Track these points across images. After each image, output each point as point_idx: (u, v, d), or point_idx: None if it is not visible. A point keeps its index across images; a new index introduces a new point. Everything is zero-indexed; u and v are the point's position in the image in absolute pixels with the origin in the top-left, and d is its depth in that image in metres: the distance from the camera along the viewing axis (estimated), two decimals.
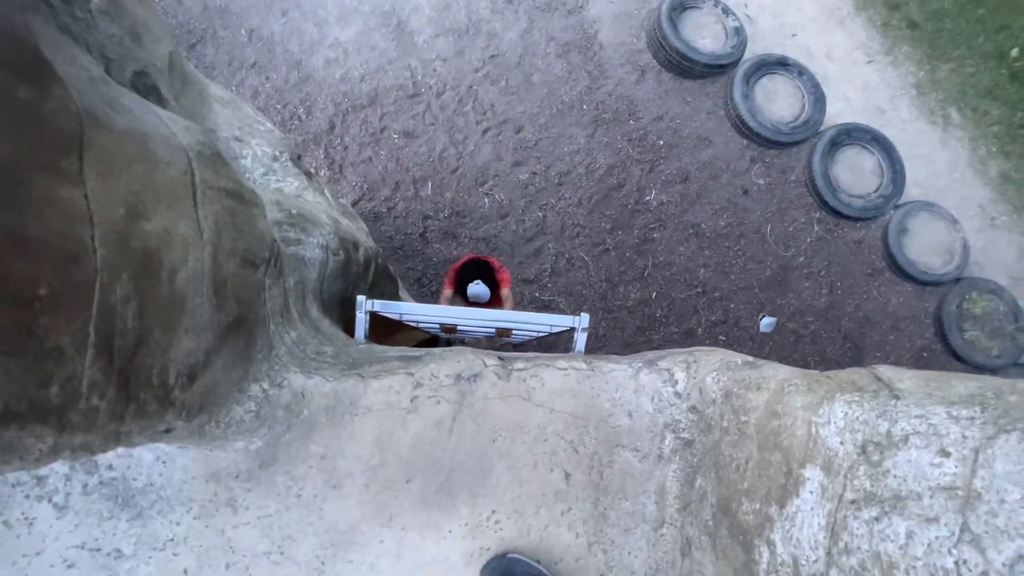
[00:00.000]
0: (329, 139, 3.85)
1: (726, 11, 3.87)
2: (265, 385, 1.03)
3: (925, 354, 3.79)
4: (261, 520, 1.01)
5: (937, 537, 0.47)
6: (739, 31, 3.82)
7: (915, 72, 4.58)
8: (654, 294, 3.75)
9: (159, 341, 0.79)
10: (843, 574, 0.54)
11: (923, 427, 0.53)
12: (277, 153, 1.65)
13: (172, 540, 0.99)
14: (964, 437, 0.49)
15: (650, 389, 1.06)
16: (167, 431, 0.88)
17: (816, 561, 0.58)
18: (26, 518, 0.99)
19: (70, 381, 0.62)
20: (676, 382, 1.04)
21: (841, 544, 0.55)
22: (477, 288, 2.14)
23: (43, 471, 1.01)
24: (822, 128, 3.86)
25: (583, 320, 1.40)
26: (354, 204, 3.73)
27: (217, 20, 3.98)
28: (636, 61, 4.07)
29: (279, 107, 3.83)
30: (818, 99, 3.83)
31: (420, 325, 1.72)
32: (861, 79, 4.59)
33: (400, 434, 1.06)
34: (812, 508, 0.61)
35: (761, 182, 3.93)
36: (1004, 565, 0.42)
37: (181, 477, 1.01)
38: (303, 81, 3.97)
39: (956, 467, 0.48)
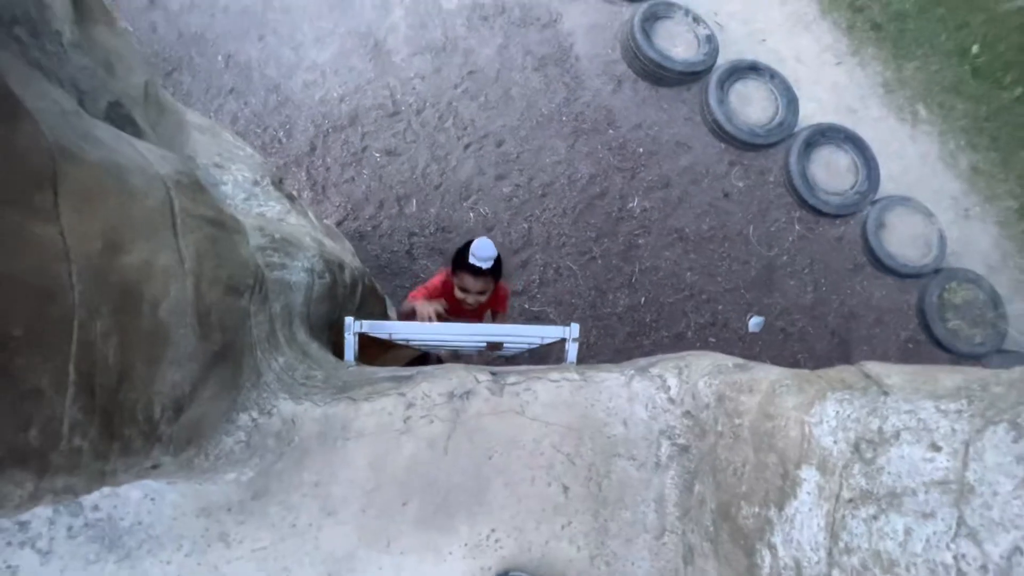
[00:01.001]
0: (311, 161, 3.84)
1: (697, 20, 3.96)
2: (254, 414, 1.01)
3: (911, 345, 3.85)
4: (256, 553, 0.99)
5: (935, 532, 0.47)
6: (711, 39, 3.91)
7: (882, 72, 4.72)
8: (643, 300, 3.77)
9: (142, 375, 0.77)
10: (845, 574, 0.54)
11: (913, 422, 0.53)
12: (258, 178, 1.64)
13: None
14: (953, 431, 0.49)
15: (644, 396, 1.06)
16: (154, 467, 0.85)
17: (818, 563, 0.58)
18: (8, 566, 0.95)
19: (50, 423, 0.60)
20: (669, 388, 1.04)
21: (841, 544, 0.55)
22: (483, 242, 1.78)
23: (25, 516, 0.97)
24: (796, 129, 3.95)
25: (573, 330, 1.40)
26: (338, 224, 3.71)
27: (192, 47, 3.97)
28: (612, 71, 4.13)
29: (259, 131, 3.81)
30: (791, 101, 3.92)
31: (410, 343, 1.71)
32: (831, 80, 4.71)
33: (394, 456, 1.04)
34: (810, 509, 0.61)
35: (741, 184, 3.99)
36: (1001, 557, 0.42)
37: (170, 514, 0.98)
38: (282, 104, 3.97)
39: (948, 461, 0.49)
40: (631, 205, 3.93)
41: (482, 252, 1.76)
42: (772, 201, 4.01)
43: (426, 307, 1.72)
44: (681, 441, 1.00)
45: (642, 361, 1.16)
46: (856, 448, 0.58)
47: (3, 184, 0.59)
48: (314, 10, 4.11)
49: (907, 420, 0.54)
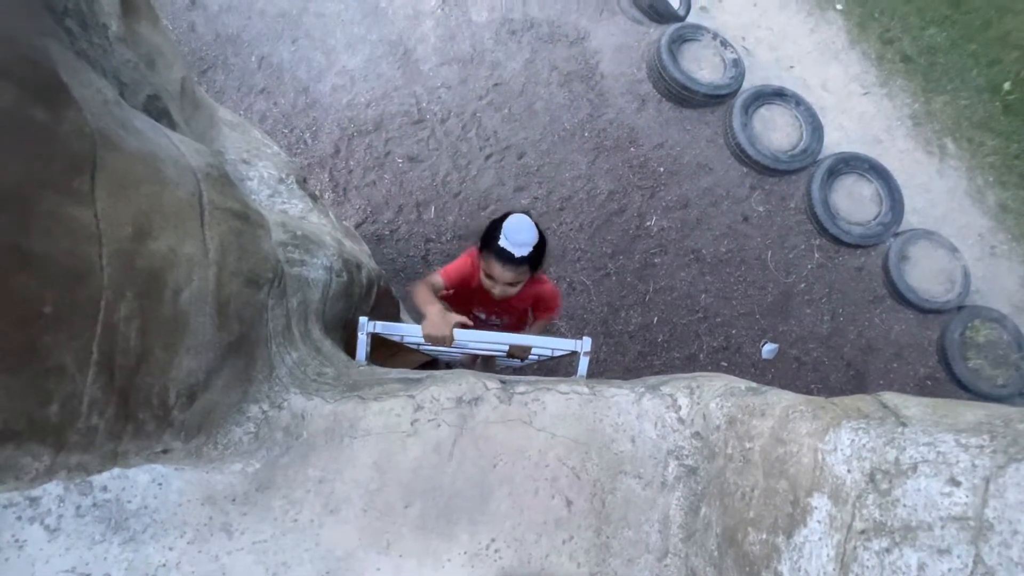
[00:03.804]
0: (334, 163, 3.91)
1: (724, 44, 3.97)
2: (265, 406, 1.02)
3: (929, 382, 3.75)
4: (256, 545, 0.99)
5: (950, 569, 0.46)
6: (737, 63, 3.91)
7: (910, 104, 4.68)
8: (656, 319, 3.74)
9: (160, 360, 0.79)
10: None
11: (932, 455, 0.52)
12: (283, 175, 1.67)
13: (164, 566, 0.97)
14: (974, 466, 0.48)
15: (653, 415, 1.05)
16: (164, 452, 0.86)
17: None
18: (16, 540, 0.96)
19: (70, 399, 0.62)
20: (679, 408, 1.03)
21: (853, 574, 0.54)
22: (520, 220, 1.44)
23: (36, 492, 0.99)
24: (820, 157, 3.92)
25: (586, 344, 1.40)
26: (357, 226, 3.76)
27: (229, 48, 4.09)
28: (637, 91, 4.16)
29: (286, 131, 3.90)
30: (815, 128, 3.90)
31: (420, 348, 1.70)
32: (857, 110, 4.68)
33: (400, 458, 1.04)
34: (820, 538, 0.60)
35: (761, 209, 3.96)
36: None
37: (176, 500, 0.99)
38: (310, 106, 4.06)
39: (967, 496, 0.47)
40: (649, 223, 3.92)
41: (517, 235, 1.41)
42: (792, 227, 3.97)
43: (440, 321, 1.34)
44: (689, 462, 0.99)
45: (653, 379, 1.15)
46: (871, 478, 0.56)
47: (45, 167, 0.61)
48: (348, 17, 4.21)
49: (925, 452, 0.52)
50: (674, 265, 3.83)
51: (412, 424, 1.05)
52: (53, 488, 0.98)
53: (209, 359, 0.89)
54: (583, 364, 1.38)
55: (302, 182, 1.76)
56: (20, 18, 0.65)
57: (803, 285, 3.91)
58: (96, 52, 1.07)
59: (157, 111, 1.25)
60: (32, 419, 0.57)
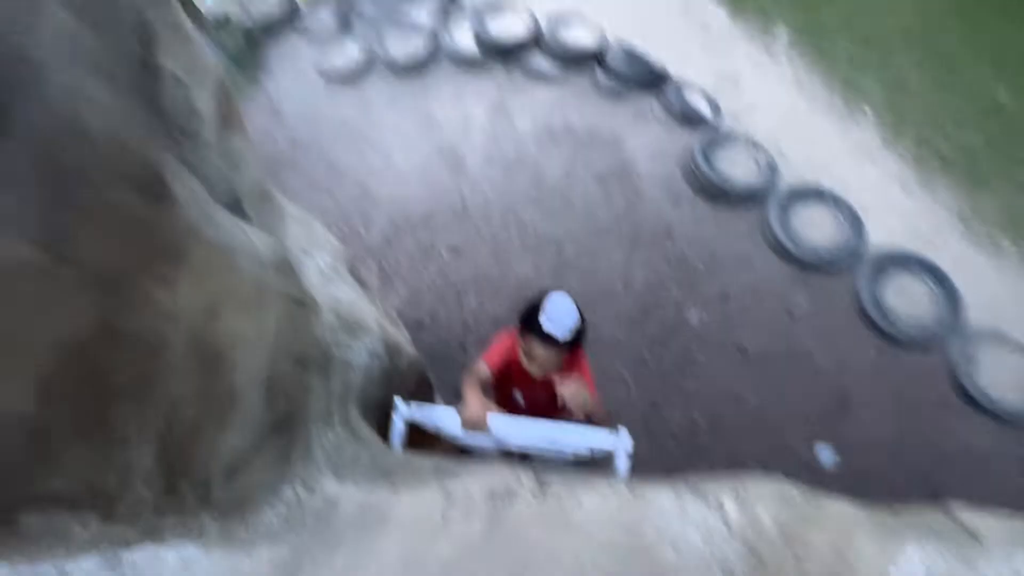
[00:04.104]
0: (383, 253, 4.16)
1: (756, 146, 4.16)
2: (298, 488, 1.02)
3: (1007, 496, 3.31)
4: None
5: None
6: (771, 164, 4.06)
7: (955, 202, 4.64)
8: (699, 418, 3.56)
9: (210, 436, 0.82)
10: None
11: None
12: (337, 263, 1.80)
13: None
14: None
15: (698, 520, 0.98)
16: (198, 531, 0.87)
17: None
18: None
19: (127, 470, 0.65)
20: (726, 514, 0.96)
21: None
22: (560, 301, 1.43)
23: (68, 565, 0.99)
24: (865, 254, 3.86)
25: (625, 439, 1.34)
26: (399, 312, 3.90)
27: (300, 151, 4.60)
28: (672, 188, 4.33)
29: (342, 223, 4.22)
30: (857, 226, 3.89)
31: (455, 441, 1.67)
32: (900, 208, 4.67)
33: (429, 555, 1.00)
34: None
35: (806, 305, 3.86)
36: None
37: None
38: (366, 202, 4.42)
39: None
40: (689, 316, 3.87)
41: (559, 317, 1.41)
42: (842, 325, 3.83)
43: (477, 405, 1.34)
44: (738, 574, 0.90)
45: (698, 481, 1.09)
46: None
47: (143, 254, 0.70)
48: (405, 127, 4.70)
49: (1004, 573, 0.47)
50: (717, 360, 3.71)
51: (443, 518, 1.02)
52: (86, 563, 0.99)
53: (254, 437, 0.92)
54: (623, 464, 1.32)
55: (353, 270, 1.89)
56: (141, 129, 0.78)
57: (860, 387, 3.67)
58: (194, 157, 1.24)
59: (236, 207, 1.41)
60: (91, 486, 0.60)
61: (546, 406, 1.73)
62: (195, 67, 1.43)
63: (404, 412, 1.31)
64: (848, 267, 3.81)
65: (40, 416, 0.51)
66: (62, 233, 0.55)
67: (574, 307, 1.48)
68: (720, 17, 5.83)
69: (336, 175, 4.53)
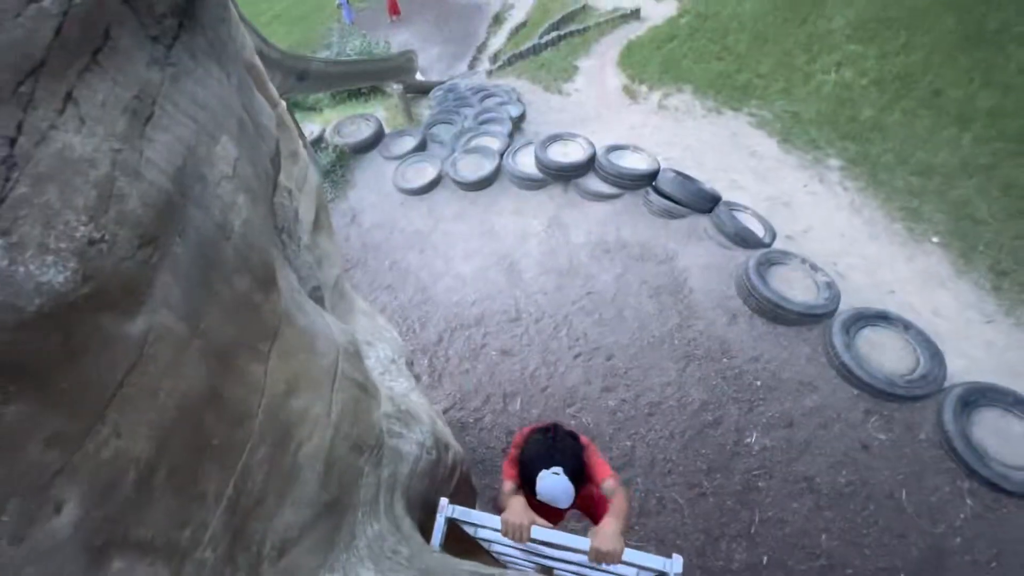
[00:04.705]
0: (435, 350, 4.30)
1: (814, 268, 4.14)
2: None
3: None
4: None
5: None
6: (831, 285, 4.00)
7: None
8: (765, 559, 3.17)
9: (270, 508, 0.87)
10: None
11: None
12: (395, 356, 1.91)
13: None
14: None
15: None
16: None
17: None
18: None
19: (200, 528, 0.71)
20: None
21: None
22: (553, 482, 1.40)
23: None
24: (946, 384, 3.58)
25: (676, 564, 1.25)
26: (445, 411, 3.91)
27: (370, 253, 5.04)
28: (726, 305, 4.31)
29: (400, 320, 4.45)
30: (934, 354, 3.66)
31: (492, 549, 1.60)
32: (982, 338, 4.37)
33: None
34: None
35: (883, 437, 3.54)
36: None
37: None
38: (424, 302, 4.68)
39: None
40: (749, 440, 3.63)
41: (553, 496, 1.42)
42: (927, 464, 3.44)
43: (520, 510, 1.32)
44: None
45: None
46: None
47: (249, 333, 0.82)
48: (468, 235, 5.09)
49: None
50: (782, 492, 3.38)
51: None
52: None
53: (306, 516, 0.96)
54: (676, 568, 1.22)
55: (409, 364, 1.99)
56: (264, 232, 0.95)
57: (959, 540, 3.19)
58: (291, 254, 1.44)
59: (317, 297, 1.58)
60: (169, 539, 0.66)
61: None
62: (303, 182, 1.71)
63: (447, 511, 1.30)
64: (927, 397, 3.52)
65: (153, 461, 0.60)
66: (198, 310, 0.68)
67: (567, 486, 1.43)
68: (770, 146, 6.18)
69: (400, 275, 4.88)
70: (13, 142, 0.48)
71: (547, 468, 1.43)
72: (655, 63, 7.94)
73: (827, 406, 3.68)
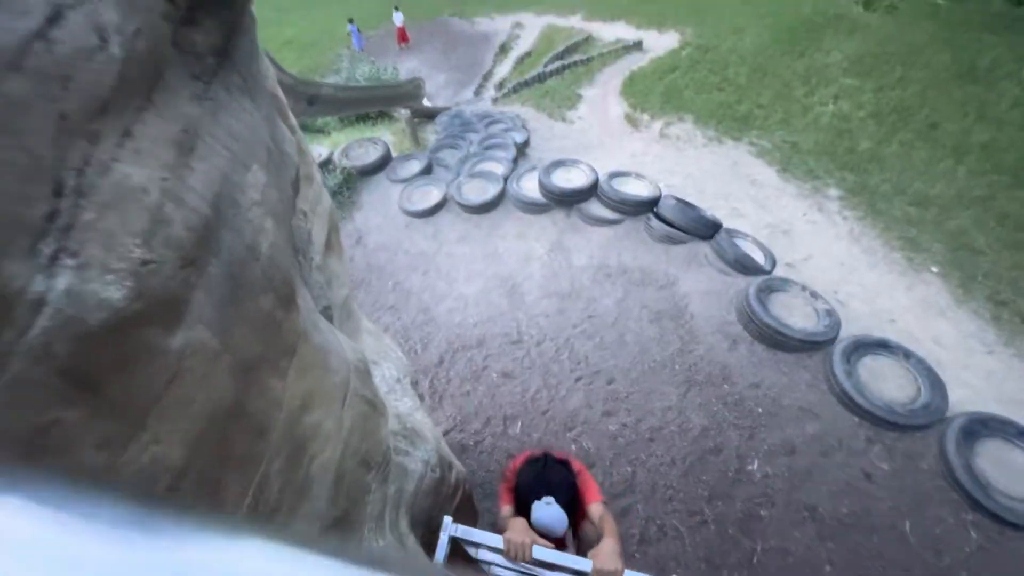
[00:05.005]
0: (436, 372, 4.32)
1: (814, 295, 4.19)
2: None
3: None
4: None
5: None
6: (831, 313, 4.05)
7: None
8: None
9: (283, 520, 0.91)
10: None
11: None
12: (400, 376, 1.95)
13: None
14: None
15: None
16: None
17: None
18: None
19: None
20: None
21: None
22: (546, 512, 1.47)
23: None
24: (948, 414, 3.59)
25: None
26: (445, 434, 3.91)
27: (374, 274, 5.11)
28: (727, 331, 4.35)
29: (403, 341, 4.48)
30: (935, 383, 3.68)
31: (491, 570, 1.61)
32: (983, 368, 4.39)
33: None
34: None
35: (885, 467, 3.53)
36: None
37: None
38: (426, 323, 4.72)
39: None
40: (750, 468, 3.62)
41: (544, 523, 1.46)
42: (931, 495, 3.42)
43: (522, 529, 1.36)
44: None
45: None
46: None
47: (271, 350, 0.87)
48: (472, 257, 5.17)
49: None
50: (785, 521, 3.36)
51: None
52: None
53: (315, 530, 0.99)
54: None
55: (414, 384, 2.02)
56: (288, 257, 1.00)
57: (964, 573, 3.15)
58: (306, 275, 1.49)
59: (328, 316, 1.63)
60: None
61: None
62: (316, 203, 1.78)
63: (451, 529, 1.33)
64: (929, 427, 3.52)
65: (183, 468, 0.64)
66: (228, 327, 0.73)
67: (562, 516, 1.49)
68: (770, 175, 6.30)
69: (403, 296, 4.93)
70: (81, 173, 0.54)
71: (539, 499, 1.49)
72: (657, 93, 8.14)
73: (828, 434, 3.68)
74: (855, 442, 3.63)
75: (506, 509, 1.54)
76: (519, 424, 3.94)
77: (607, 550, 1.30)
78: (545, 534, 1.52)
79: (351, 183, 5.85)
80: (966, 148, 6.19)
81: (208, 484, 0.70)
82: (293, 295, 0.97)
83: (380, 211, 5.76)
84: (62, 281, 0.47)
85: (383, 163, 6.07)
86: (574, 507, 1.54)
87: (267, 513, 0.86)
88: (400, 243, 5.42)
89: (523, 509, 1.53)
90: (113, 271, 0.53)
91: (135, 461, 0.58)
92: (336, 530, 1.05)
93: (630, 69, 9.33)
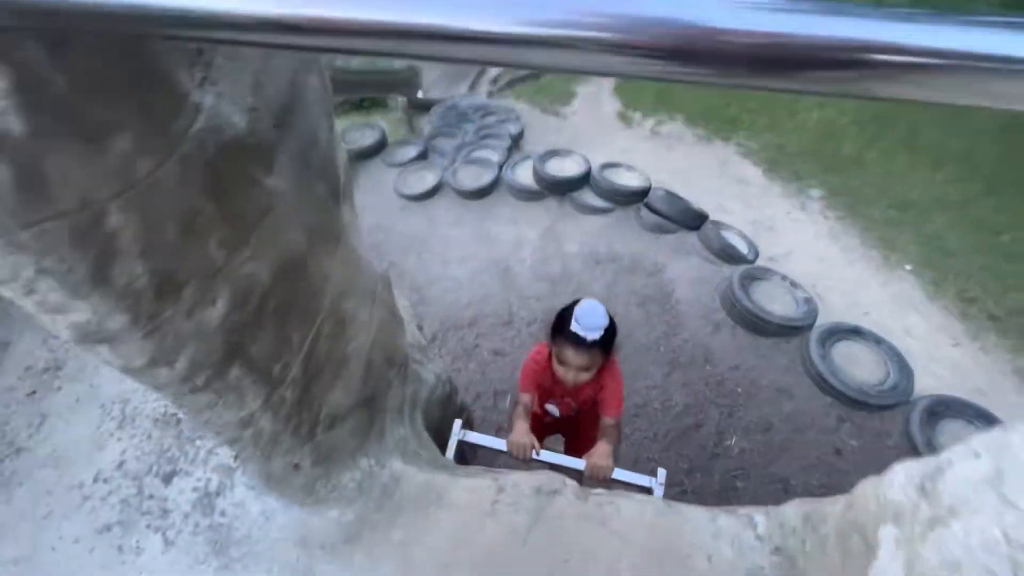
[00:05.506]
0: (428, 349, 4.45)
1: (794, 284, 4.44)
2: (372, 462, 1.19)
3: None
4: None
5: (986, 522, 0.51)
6: (809, 301, 4.29)
7: (1011, 359, 4.63)
8: None
9: (327, 381, 1.06)
10: None
11: (962, 447, 0.61)
12: (408, 319, 2.09)
13: None
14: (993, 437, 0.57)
15: (729, 534, 1.07)
16: (296, 467, 1.05)
17: None
18: (138, 546, 1.11)
19: (286, 367, 0.90)
20: (756, 525, 1.05)
21: (917, 573, 0.56)
22: (590, 306, 1.52)
23: (169, 505, 1.17)
24: (914, 396, 3.84)
25: (660, 476, 1.44)
26: None
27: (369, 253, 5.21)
28: (711, 317, 4.57)
29: None
30: (903, 368, 3.93)
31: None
32: (949, 359, 4.67)
33: (476, 536, 1.11)
34: (889, 561, 0.62)
35: (854, 443, 3.77)
36: None
37: (276, 536, 1.12)
38: (420, 303, 4.85)
39: (988, 462, 0.55)
40: (729, 443, 3.82)
41: (588, 319, 1.48)
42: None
43: (524, 434, 1.47)
44: None
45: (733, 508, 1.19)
46: (921, 488, 0.62)
47: (324, 228, 1.02)
48: (465, 240, 5.31)
49: (961, 448, 0.61)
50: (759, 492, 3.57)
51: (493, 505, 1.15)
52: (183, 505, 1.17)
53: (350, 401, 1.14)
54: (658, 492, 1.41)
55: (419, 328, 2.17)
56: (337, 155, 1.15)
57: None
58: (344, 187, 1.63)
59: None
60: (267, 368, 0.84)
61: (579, 416, 1.81)
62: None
63: (460, 434, 1.48)
64: (896, 407, 3.77)
65: (268, 291, 0.79)
66: (299, 192, 0.88)
67: (604, 311, 1.55)
68: (756, 174, 6.58)
69: (396, 276, 5.06)
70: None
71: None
72: (649, 93, 8.41)
73: (802, 412, 3.91)
74: (827, 420, 3.86)
75: (526, 398, 1.62)
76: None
77: (601, 451, 1.46)
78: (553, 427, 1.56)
79: (348, 166, 5.96)
80: (943, 156, 6.54)
81: (281, 316, 0.85)
82: (339, 190, 1.12)
83: (376, 193, 5.88)
84: (209, 99, 0.62)
85: (379, 147, 6.20)
86: (609, 346, 1.56)
87: (316, 371, 1.01)
88: (395, 224, 5.54)
89: (559, 331, 1.55)
90: (236, 104, 0.68)
91: (238, 269, 0.73)
92: (366, 408, 1.20)
93: None
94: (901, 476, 0.70)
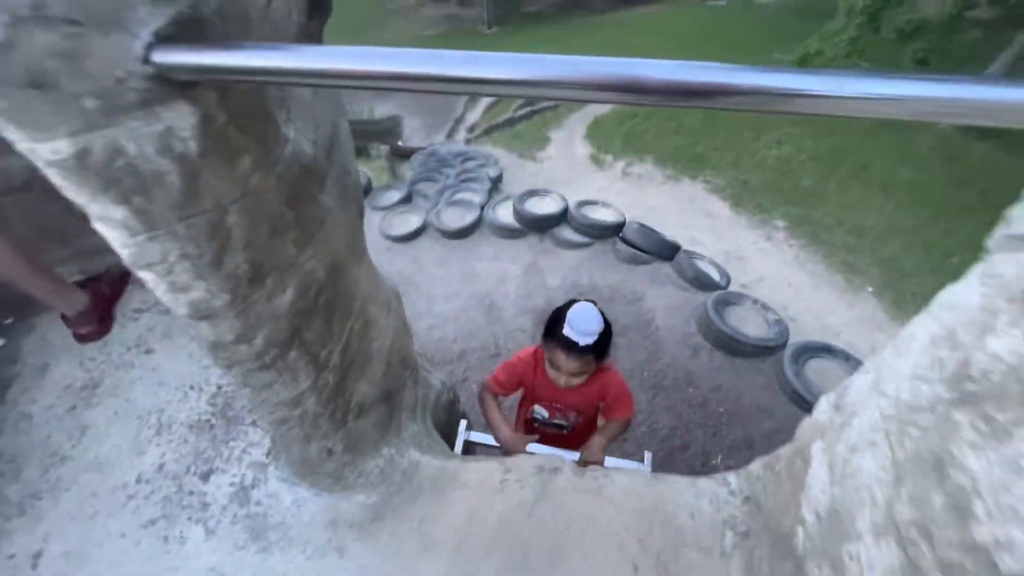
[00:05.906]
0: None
1: (765, 307, 4.75)
2: (392, 451, 1.36)
3: None
4: (360, 569, 1.18)
5: (870, 411, 0.72)
6: (779, 322, 4.59)
7: None
8: None
9: (356, 373, 1.24)
10: (841, 487, 0.73)
11: (869, 367, 0.83)
12: None
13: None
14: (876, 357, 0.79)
15: (708, 492, 1.26)
16: (329, 452, 1.21)
17: (824, 494, 0.76)
18: (182, 536, 1.24)
19: (330, 354, 1.08)
20: (730, 483, 1.24)
21: (837, 473, 0.76)
22: (584, 308, 1.46)
23: (208, 499, 1.30)
24: None
25: (647, 460, 1.61)
26: None
27: None
28: (689, 341, 4.83)
29: None
30: None
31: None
32: None
33: (488, 511, 1.28)
34: (818, 466, 0.82)
35: None
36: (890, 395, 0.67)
37: (307, 520, 1.26)
38: None
39: (872, 371, 0.77)
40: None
41: (581, 324, 1.40)
42: None
43: (513, 437, 1.56)
44: (742, 528, 1.16)
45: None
46: (836, 406, 0.83)
47: (356, 245, 1.23)
48: (450, 278, 5.54)
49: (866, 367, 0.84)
50: None
51: (501, 483, 1.32)
52: (221, 498, 1.31)
53: (374, 393, 1.32)
54: (648, 463, 1.58)
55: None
56: (361, 186, 1.37)
57: None
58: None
59: None
60: (316, 353, 1.03)
61: (573, 433, 1.79)
62: None
63: (465, 434, 1.64)
64: None
65: (321, 287, 0.98)
66: (340, 211, 1.10)
67: (598, 314, 1.47)
68: (723, 209, 7.06)
69: None
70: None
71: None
72: (619, 136, 9.00)
73: (782, 428, 4.12)
74: None
75: (491, 399, 1.63)
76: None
77: (594, 444, 1.64)
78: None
79: None
80: (893, 185, 7.13)
81: (328, 310, 1.05)
82: (363, 211, 1.34)
83: None
84: (292, 132, 0.85)
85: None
86: (603, 352, 1.49)
87: (350, 362, 1.19)
88: (381, 265, 5.68)
89: (552, 333, 1.49)
90: (306, 137, 0.90)
91: (304, 264, 0.93)
92: (386, 402, 1.37)
93: (594, 115, 10.27)
94: (823, 403, 0.91)
